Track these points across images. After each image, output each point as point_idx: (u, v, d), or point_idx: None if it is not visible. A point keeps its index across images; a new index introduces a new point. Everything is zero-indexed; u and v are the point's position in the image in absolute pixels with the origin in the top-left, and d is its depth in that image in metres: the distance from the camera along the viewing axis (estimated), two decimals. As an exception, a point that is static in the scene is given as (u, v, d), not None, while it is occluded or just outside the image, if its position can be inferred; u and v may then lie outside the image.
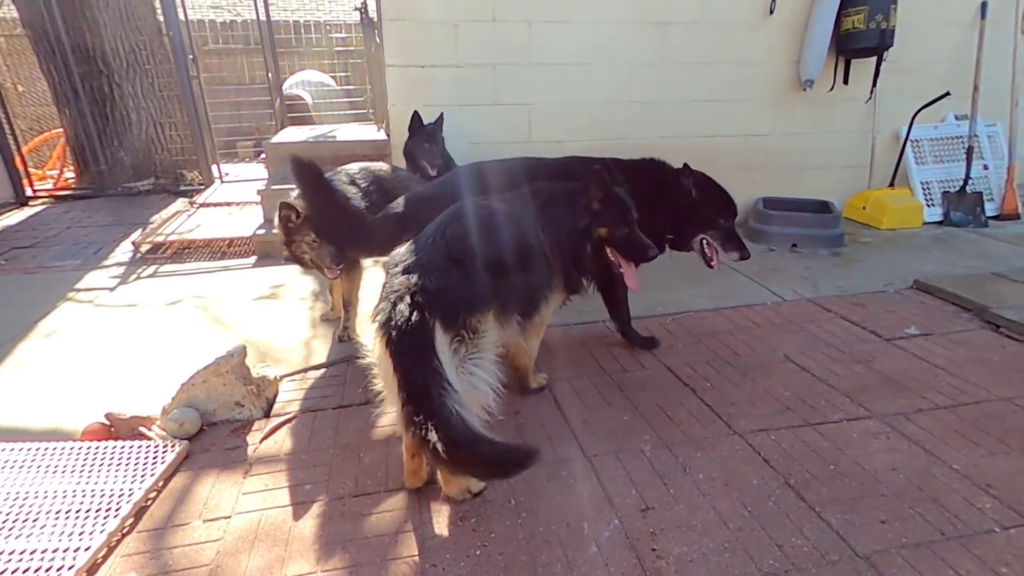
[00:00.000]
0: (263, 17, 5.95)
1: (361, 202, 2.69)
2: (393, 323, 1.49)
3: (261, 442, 2.14)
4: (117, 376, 2.62)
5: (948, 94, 4.46)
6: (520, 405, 2.34)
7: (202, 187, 6.05)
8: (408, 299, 1.50)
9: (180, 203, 5.60)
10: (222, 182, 6.14)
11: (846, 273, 3.74)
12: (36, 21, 5.52)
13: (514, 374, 2.40)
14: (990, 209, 4.72)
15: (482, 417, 1.61)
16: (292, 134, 5.33)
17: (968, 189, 4.65)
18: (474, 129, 4.14)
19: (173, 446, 2.06)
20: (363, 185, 2.79)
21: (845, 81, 4.50)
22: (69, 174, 6.52)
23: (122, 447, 2.08)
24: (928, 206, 4.72)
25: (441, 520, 1.73)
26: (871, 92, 4.47)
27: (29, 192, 5.91)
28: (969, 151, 4.64)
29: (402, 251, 1.69)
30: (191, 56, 5.73)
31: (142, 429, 2.18)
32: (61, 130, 6.33)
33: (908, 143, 4.74)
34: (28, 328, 3.10)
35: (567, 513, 1.74)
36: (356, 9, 5.99)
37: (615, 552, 1.60)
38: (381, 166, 3.05)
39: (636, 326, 2.97)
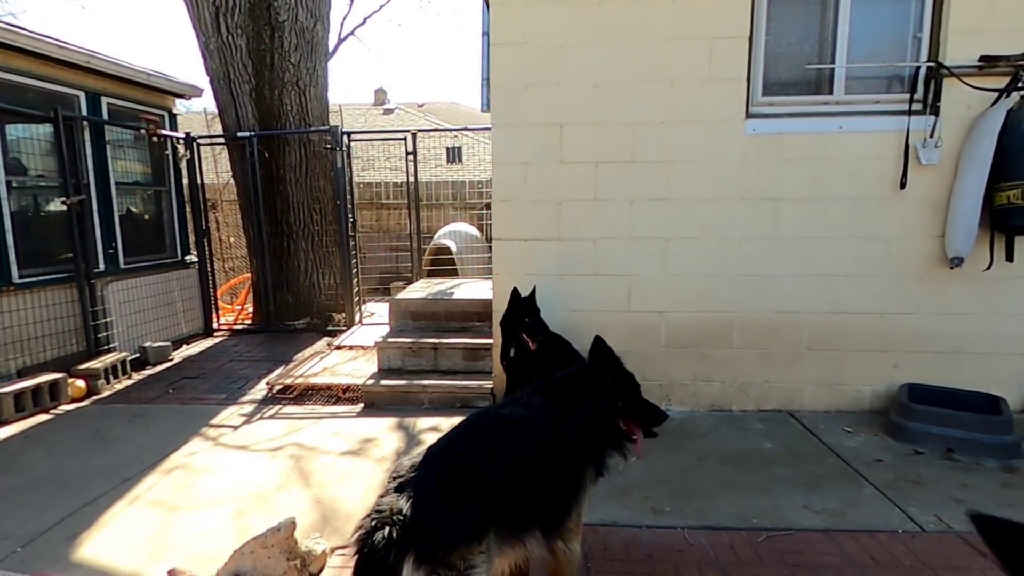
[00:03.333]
0: (411, 178, 6.95)
1: None
2: (366, 551, 1.47)
3: (285, 628, 2.13)
4: (203, 522, 2.86)
5: None
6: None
7: (345, 328, 6.79)
8: (386, 529, 1.47)
9: (322, 343, 6.31)
10: (361, 324, 6.84)
11: (1019, 499, 2.95)
12: (245, 194, 7.00)
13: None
14: None
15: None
16: (417, 288, 5.88)
17: None
18: (573, 297, 4.22)
19: (208, 618, 2.13)
20: None
21: (1009, 259, 3.88)
22: (251, 309, 7.79)
23: (170, 608, 2.20)
24: None
25: None
26: (1043, 274, 3.80)
27: (215, 325, 7.13)
28: None
29: (407, 463, 1.69)
30: (352, 219, 6.76)
31: (193, 590, 2.30)
32: (250, 275, 7.67)
33: (1113, 331, 3.85)
34: (158, 461, 3.56)
35: None
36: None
37: None
38: None
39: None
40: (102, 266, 5.58)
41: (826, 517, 2.83)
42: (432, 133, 8.51)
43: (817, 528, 2.74)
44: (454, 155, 7.52)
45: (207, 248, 7.10)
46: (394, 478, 1.66)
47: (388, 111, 22.08)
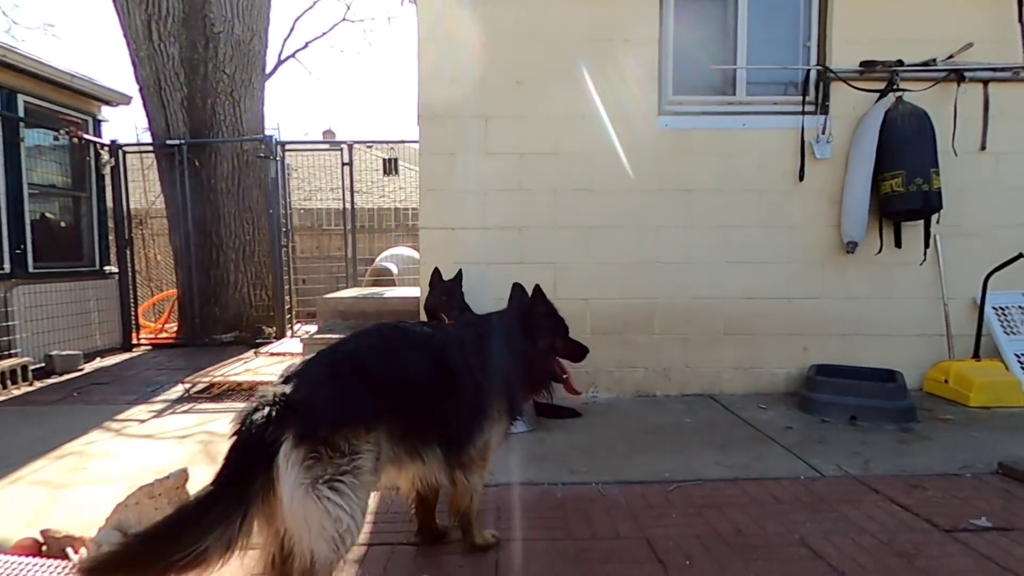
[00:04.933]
0: (348, 205, 6.99)
1: None
2: (241, 431, 1.42)
3: None
4: (92, 497, 2.65)
5: (1022, 255, 4.00)
6: (451, 567, 2.03)
7: (275, 341, 6.57)
8: (266, 410, 1.44)
9: (249, 354, 6.07)
10: (292, 336, 6.65)
11: (911, 451, 3.12)
12: (173, 203, 6.81)
13: (457, 522, 2.12)
14: (1117, 389, 3.89)
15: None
16: (347, 292, 5.81)
17: (1081, 364, 3.92)
18: (500, 285, 4.22)
19: (81, 569, 1.96)
20: None
21: (897, 244, 4.22)
22: (173, 326, 7.45)
23: (39, 565, 2.02)
24: (1031, 382, 3.99)
25: None
26: (924, 255, 4.13)
27: (135, 340, 6.75)
28: (1070, 320, 4.00)
29: (299, 361, 1.67)
30: (284, 230, 6.66)
31: (68, 550, 2.12)
32: (175, 291, 7.37)
33: (991, 311, 4.21)
34: (50, 449, 3.30)
35: None
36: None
37: None
38: None
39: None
40: (7, 267, 5.26)
41: (736, 470, 2.91)
42: (372, 151, 8.63)
43: (726, 478, 2.80)
44: (391, 166, 7.59)
45: (130, 260, 6.81)
46: (283, 375, 1.63)
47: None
